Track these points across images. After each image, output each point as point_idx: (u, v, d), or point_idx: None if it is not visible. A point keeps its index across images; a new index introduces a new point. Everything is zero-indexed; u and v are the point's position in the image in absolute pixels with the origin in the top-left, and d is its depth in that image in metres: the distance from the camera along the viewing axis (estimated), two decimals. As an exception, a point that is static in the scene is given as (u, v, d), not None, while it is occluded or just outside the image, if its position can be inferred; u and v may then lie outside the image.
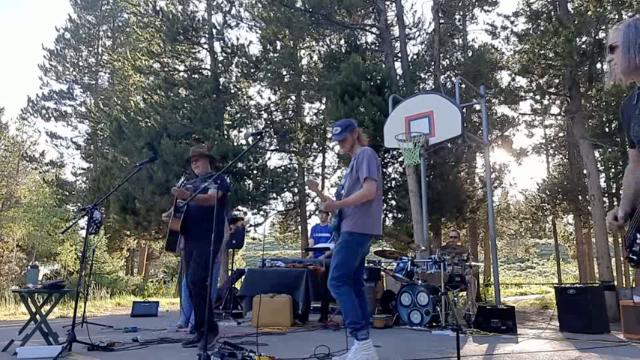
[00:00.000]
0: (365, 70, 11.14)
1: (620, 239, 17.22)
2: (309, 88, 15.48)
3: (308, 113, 18.20)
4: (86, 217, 4.34)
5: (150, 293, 16.38)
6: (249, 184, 13.86)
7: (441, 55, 14.13)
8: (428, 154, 9.77)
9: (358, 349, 3.18)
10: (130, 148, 13.30)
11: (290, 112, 18.00)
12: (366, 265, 5.53)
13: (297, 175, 16.54)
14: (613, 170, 14.37)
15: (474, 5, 16.14)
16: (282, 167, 16.42)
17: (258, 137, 3.89)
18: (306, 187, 13.90)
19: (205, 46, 15.82)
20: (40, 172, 24.62)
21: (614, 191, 15.33)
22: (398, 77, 12.16)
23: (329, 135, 17.22)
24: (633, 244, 1.62)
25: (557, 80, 11.14)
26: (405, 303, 5.91)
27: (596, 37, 10.18)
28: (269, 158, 16.18)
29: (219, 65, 15.56)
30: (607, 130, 13.59)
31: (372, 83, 11.02)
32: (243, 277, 7.10)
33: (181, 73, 15.96)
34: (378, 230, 3.46)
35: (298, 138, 16.99)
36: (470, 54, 15.37)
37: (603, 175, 14.83)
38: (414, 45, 15.88)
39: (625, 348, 4.38)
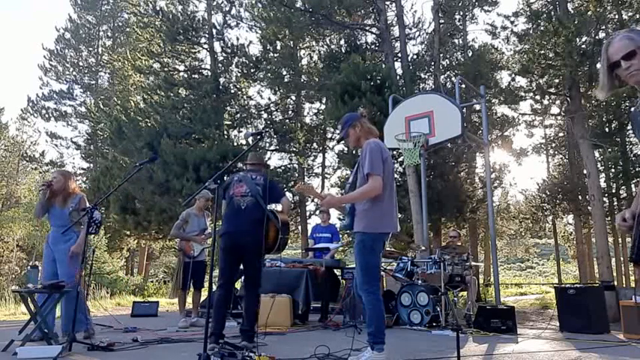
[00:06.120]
0: (365, 70, 11.13)
1: (620, 239, 17.23)
2: (309, 88, 15.47)
3: (308, 113, 18.21)
4: (86, 217, 4.33)
5: (150, 293, 16.36)
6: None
7: (441, 55, 14.13)
8: (428, 154, 9.76)
9: (370, 359, 3.16)
10: (130, 148, 13.31)
11: (290, 112, 17.98)
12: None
13: (297, 175, 16.54)
14: (613, 170, 14.37)
15: (474, 5, 16.14)
16: (282, 167, 16.44)
17: (258, 137, 3.89)
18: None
19: (205, 46, 15.83)
20: (40, 172, 24.61)
21: (614, 191, 15.33)
22: (398, 77, 12.15)
23: (329, 135, 17.24)
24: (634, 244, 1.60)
25: (557, 80, 11.14)
26: (405, 303, 5.91)
27: (596, 37, 10.18)
28: (269, 158, 16.21)
29: (219, 65, 15.57)
30: (607, 130, 13.59)
31: (372, 83, 11.01)
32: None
33: (181, 73, 15.97)
34: (393, 228, 3.34)
35: (298, 138, 16.97)
36: (470, 54, 15.37)
37: (603, 175, 14.82)
38: (414, 45, 15.90)
39: (625, 348, 4.38)
